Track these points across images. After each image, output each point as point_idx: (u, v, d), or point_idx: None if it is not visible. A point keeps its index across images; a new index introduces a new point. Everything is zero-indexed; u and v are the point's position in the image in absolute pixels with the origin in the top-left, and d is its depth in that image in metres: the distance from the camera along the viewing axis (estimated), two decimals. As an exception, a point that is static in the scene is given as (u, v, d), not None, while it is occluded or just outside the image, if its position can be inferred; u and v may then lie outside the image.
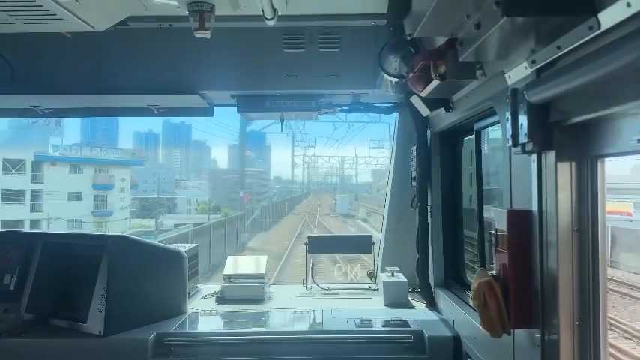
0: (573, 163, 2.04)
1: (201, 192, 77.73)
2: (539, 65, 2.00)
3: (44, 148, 45.75)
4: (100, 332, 3.51)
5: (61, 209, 42.24)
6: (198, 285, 4.90)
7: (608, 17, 1.51)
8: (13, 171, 41.37)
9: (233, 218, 38.64)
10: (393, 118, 5.06)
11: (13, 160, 41.47)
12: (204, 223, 34.31)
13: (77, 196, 46.31)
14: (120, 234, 3.99)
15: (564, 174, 2.04)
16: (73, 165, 47.96)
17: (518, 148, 2.15)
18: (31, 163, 43.28)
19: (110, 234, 4.31)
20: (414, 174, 4.37)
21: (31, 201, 43.31)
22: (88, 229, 42.75)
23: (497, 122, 2.88)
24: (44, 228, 39.62)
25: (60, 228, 39.16)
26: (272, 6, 2.86)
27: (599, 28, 1.56)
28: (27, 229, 34.57)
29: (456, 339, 3.46)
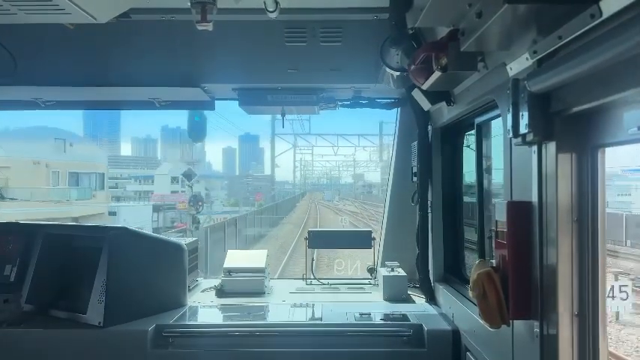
0: (574, 154, 2.03)
1: (214, 191, 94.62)
2: (541, 56, 1.99)
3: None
4: (99, 323, 3.51)
5: (190, 200, 76.31)
6: (198, 279, 4.91)
7: (610, 4, 1.51)
8: (174, 182, 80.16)
9: (283, 202, 65.57)
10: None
11: (174, 176, 78.66)
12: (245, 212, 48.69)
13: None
14: (120, 226, 3.98)
15: (565, 164, 2.03)
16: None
17: (519, 139, 2.14)
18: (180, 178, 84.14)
19: (111, 225, 4.29)
20: (414, 169, 4.37)
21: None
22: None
23: (498, 116, 2.88)
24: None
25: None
26: None
27: (600, 16, 1.55)
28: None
29: (455, 333, 3.46)
